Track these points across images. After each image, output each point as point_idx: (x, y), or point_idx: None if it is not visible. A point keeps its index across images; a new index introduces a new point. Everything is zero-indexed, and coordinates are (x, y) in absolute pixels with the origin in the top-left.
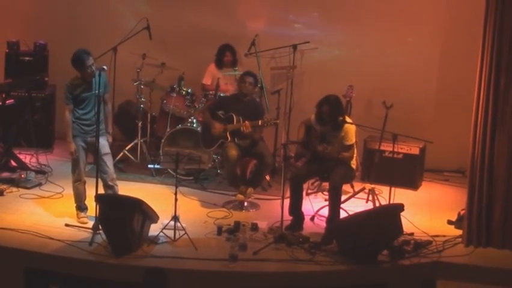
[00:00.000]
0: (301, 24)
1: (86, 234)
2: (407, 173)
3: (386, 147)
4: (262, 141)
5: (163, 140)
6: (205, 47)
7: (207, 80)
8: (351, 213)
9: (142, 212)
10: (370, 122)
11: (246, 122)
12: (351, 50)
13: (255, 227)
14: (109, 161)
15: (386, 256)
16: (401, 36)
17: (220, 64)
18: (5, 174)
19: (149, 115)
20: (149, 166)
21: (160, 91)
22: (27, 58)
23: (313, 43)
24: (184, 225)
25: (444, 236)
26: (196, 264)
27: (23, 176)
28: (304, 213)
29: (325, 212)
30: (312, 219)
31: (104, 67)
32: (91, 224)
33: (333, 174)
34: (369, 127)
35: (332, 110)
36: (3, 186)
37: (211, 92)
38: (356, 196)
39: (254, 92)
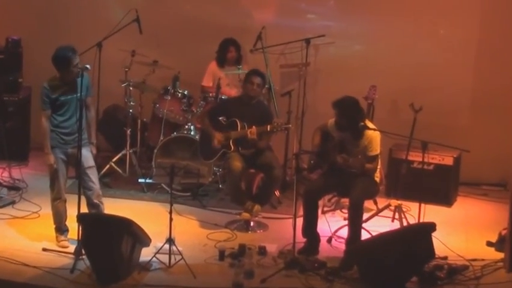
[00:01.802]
0: (315, 15)
1: (67, 260)
2: (440, 186)
3: (415, 157)
4: (271, 150)
5: (155, 150)
6: (205, 43)
7: (208, 81)
8: (374, 233)
9: (132, 234)
10: (396, 128)
11: (253, 127)
12: (374, 45)
13: (263, 251)
14: (93, 176)
15: (415, 284)
16: (431, 28)
17: (221, 62)
18: None
19: (139, 121)
20: (140, 180)
21: (152, 93)
22: None
23: (330, 36)
24: (180, 249)
25: (483, 259)
26: None
27: None
28: (320, 235)
29: (344, 232)
30: (329, 241)
31: (87, 66)
32: (72, 248)
33: (353, 188)
34: (395, 134)
35: (343, 115)
36: None
37: (211, 95)
38: (380, 214)
39: (262, 94)
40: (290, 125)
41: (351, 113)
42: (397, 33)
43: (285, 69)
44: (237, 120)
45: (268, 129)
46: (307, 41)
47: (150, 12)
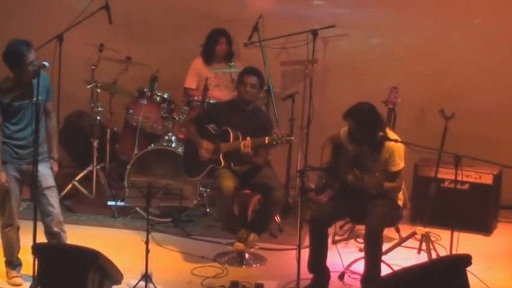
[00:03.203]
0: (323, 1)
1: None
2: (476, 210)
3: (446, 174)
4: (270, 167)
5: (128, 166)
6: (189, 35)
7: (191, 82)
8: (396, 268)
9: (100, 269)
10: (422, 139)
11: (248, 138)
12: (395, 38)
13: None
14: (53, 198)
15: None
16: (465, 17)
17: (209, 58)
18: None
19: (108, 131)
20: (110, 203)
21: (125, 97)
22: None
23: (341, 28)
24: (159, 287)
25: None
26: None
27: None
28: (330, 270)
29: (360, 267)
30: (341, 277)
31: (45, 63)
32: (26, 285)
33: (370, 213)
34: (421, 146)
35: (358, 128)
36: None
37: (196, 98)
38: (403, 244)
39: (258, 98)
40: (293, 137)
41: (367, 125)
42: (423, 24)
43: (287, 67)
44: (229, 130)
45: (266, 141)
46: (314, 33)
47: None
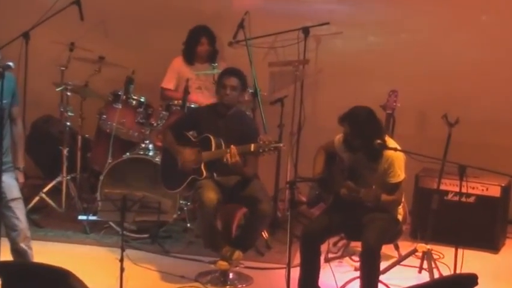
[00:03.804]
0: None
1: None
2: (483, 225)
3: (450, 186)
4: (257, 178)
5: (101, 177)
6: (168, 33)
7: (169, 82)
8: None
9: None
10: (424, 148)
11: (232, 147)
12: (395, 36)
13: None
14: (18, 210)
15: None
16: (471, 14)
17: (190, 57)
18: None
19: (80, 138)
20: (81, 218)
21: (97, 100)
22: None
23: (336, 25)
24: None
25: None
26: None
27: None
28: None
29: (355, 286)
30: None
31: (10, 63)
32: None
33: (367, 229)
34: (423, 155)
35: (355, 134)
36: None
37: (175, 102)
38: (403, 263)
39: (241, 101)
40: (282, 144)
41: (365, 131)
42: (425, 21)
43: (275, 68)
44: (211, 137)
45: (252, 149)
46: (306, 31)
47: None
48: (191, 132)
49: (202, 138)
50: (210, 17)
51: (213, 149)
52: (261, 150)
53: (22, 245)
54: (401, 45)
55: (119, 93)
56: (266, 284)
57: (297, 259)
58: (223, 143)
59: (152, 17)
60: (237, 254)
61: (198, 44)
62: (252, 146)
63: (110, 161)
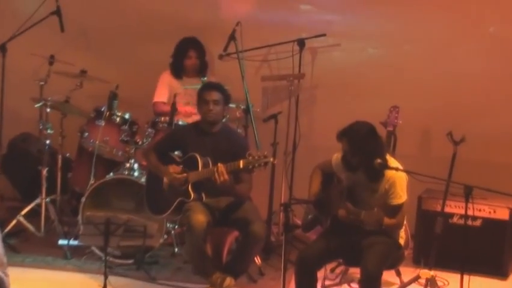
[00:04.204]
0: (312, 6)
1: None
2: (490, 250)
3: (455, 208)
4: (249, 199)
5: (83, 199)
6: (154, 45)
7: (162, 95)
8: None
9: None
10: (427, 167)
11: (220, 165)
12: (396, 49)
13: None
14: None
15: None
16: (478, 25)
17: (178, 72)
18: None
19: (60, 157)
20: (61, 242)
21: (79, 117)
22: None
23: (333, 36)
24: None
25: None
26: None
27: None
28: None
29: None
30: None
31: None
32: None
33: (367, 254)
34: (426, 175)
35: (354, 150)
36: None
37: (162, 119)
38: None
39: (224, 116)
40: (271, 158)
41: (365, 148)
42: (429, 33)
43: (269, 82)
44: (197, 156)
45: (241, 166)
46: (301, 43)
47: (76, 3)
48: (176, 153)
49: (188, 157)
50: (199, 28)
51: (200, 169)
52: (250, 167)
53: None
54: (403, 58)
55: (102, 109)
56: None
57: (292, 286)
58: (210, 162)
59: (138, 28)
60: (228, 280)
61: (186, 58)
62: (241, 162)
63: (92, 181)
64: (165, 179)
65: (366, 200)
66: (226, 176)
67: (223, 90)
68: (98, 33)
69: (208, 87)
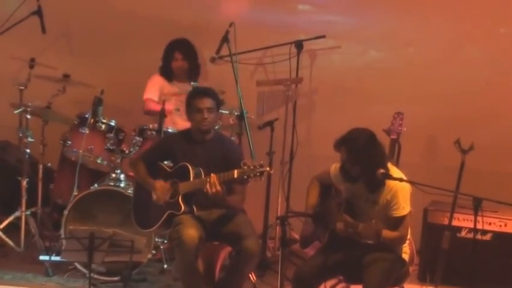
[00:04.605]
0: (310, 6)
1: None
2: (501, 266)
3: (463, 221)
4: (243, 212)
5: (66, 212)
6: (142, 48)
7: (152, 92)
8: None
9: None
10: (433, 177)
11: (212, 175)
12: (400, 52)
13: None
14: None
15: None
16: (487, 26)
17: (167, 75)
18: None
19: (41, 167)
20: (42, 258)
21: (61, 124)
22: None
23: (333, 38)
24: None
25: None
26: None
27: None
28: None
29: None
30: None
31: None
32: None
33: (369, 270)
34: (432, 186)
35: (354, 160)
36: None
37: (150, 126)
38: None
39: (217, 123)
40: (267, 168)
41: (365, 158)
42: (435, 34)
43: (264, 87)
44: (188, 166)
45: (235, 176)
46: (299, 45)
47: (59, 2)
48: (166, 162)
49: (179, 167)
50: (190, 29)
51: (191, 179)
52: (245, 177)
53: None
54: (407, 62)
55: (86, 115)
56: None
57: None
58: (202, 172)
59: (124, 29)
60: None
61: (172, 60)
62: (235, 172)
63: (75, 193)
64: (153, 193)
65: (367, 212)
66: (218, 187)
67: (215, 96)
68: (82, 34)
69: (199, 93)
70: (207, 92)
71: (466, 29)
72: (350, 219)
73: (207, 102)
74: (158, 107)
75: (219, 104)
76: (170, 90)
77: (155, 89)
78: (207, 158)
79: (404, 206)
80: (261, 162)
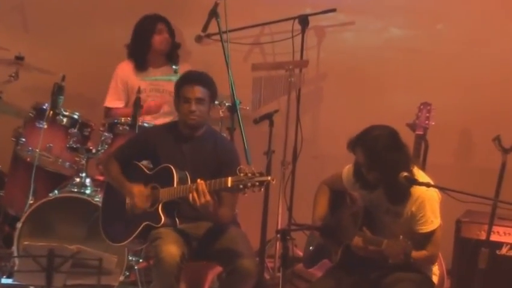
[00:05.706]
0: None
1: None
2: None
3: (504, 236)
4: (236, 225)
5: (19, 224)
6: (109, 27)
7: (115, 100)
8: None
9: None
10: (468, 183)
11: (200, 181)
12: (427, 29)
13: None
14: None
15: None
16: None
17: (141, 61)
18: None
19: None
20: None
21: (14, 118)
22: None
23: (344, 12)
24: None
25: None
26: None
27: None
28: None
29: None
30: None
31: None
32: None
33: None
34: (466, 193)
35: (371, 163)
36: None
37: (123, 120)
38: None
39: (208, 118)
40: (270, 177)
41: (385, 161)
42: (469, 9)
43: (262, 72)
44: (172, 168)
45: (230, 184)
46: (304, 21)
47: None
48: (144, 162)
49: (160, 169)
50: (166, 3)
51: (175, 185)
52: (241, 186)
53: None
54: (435, 41)
55: (44, 107)
56: None
57: None
58: (188, 177)
59: (88, 6)
60: None
61: (154, 33)
62: (229, 180)
63: (31, 201)
64: (128, 199)
65: (388, 225)
66: (208, 197)
67: (210, 85)
68: (38, 11)
69: (188, 80)
70: (199, 79)
71: (509, 0)
72: (369, 234)
73: (197, 92)
74: (124, 112)
75: (214, 94)
76: (140, 80)
77: (118, 90)
78: (195, 160)
79: (432, 219)
80: (262, 169)
